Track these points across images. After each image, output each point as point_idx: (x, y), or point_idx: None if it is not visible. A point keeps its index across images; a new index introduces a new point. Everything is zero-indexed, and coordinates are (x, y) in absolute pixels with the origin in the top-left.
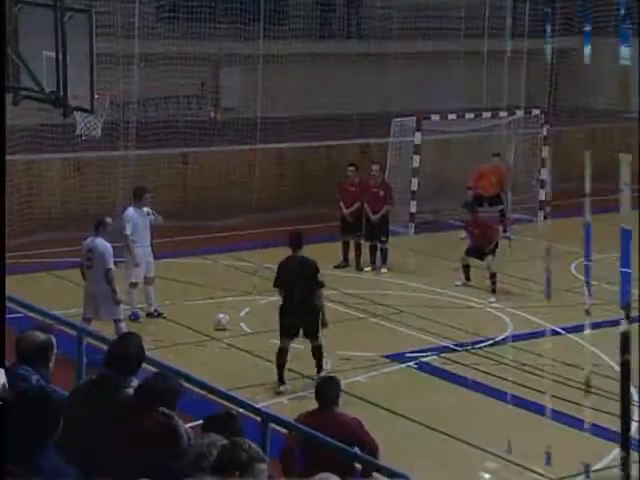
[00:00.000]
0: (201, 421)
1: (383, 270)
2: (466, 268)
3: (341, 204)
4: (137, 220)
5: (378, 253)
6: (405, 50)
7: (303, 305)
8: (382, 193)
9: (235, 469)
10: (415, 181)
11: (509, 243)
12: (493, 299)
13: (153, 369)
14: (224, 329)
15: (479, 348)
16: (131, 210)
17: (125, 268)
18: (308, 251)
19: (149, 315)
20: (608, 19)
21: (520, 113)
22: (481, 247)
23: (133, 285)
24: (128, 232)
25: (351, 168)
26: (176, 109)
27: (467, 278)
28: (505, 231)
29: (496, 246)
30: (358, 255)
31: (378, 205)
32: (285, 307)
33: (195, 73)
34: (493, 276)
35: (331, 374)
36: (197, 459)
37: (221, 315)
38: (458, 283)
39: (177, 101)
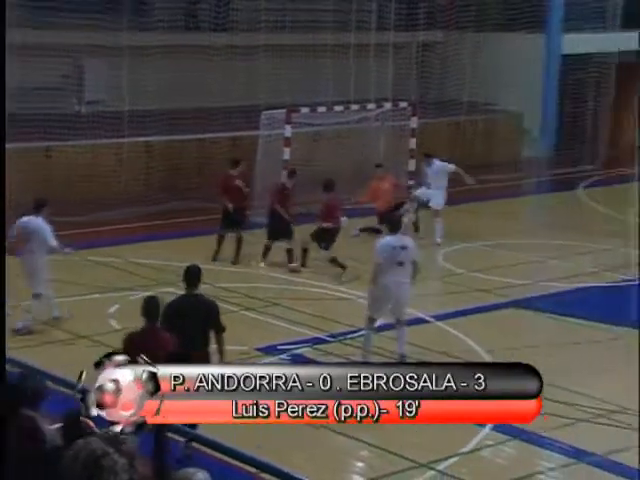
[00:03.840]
0: None
1: (261, 264)
2: (305, 252)
3: (224, 199)
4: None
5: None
6: (273, 42)
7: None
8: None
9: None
10: (285, 174)
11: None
12: (344, 279)
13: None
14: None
15: (351, 338)
16: (40, 220)
17: (27, 278)
18: (180, 245)
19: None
20: (469, 15)
21: (388, 105)
22: (321, 231)
23: (37, 296)
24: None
25: (236, 164)
26: (38, 102)
27: (303, 264)
28: (417, 230)
29: (333, 237)
30: (238, 249)
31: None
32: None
33: (57, 65)
34: (333, 260)
35: (152, 295)
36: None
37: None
38: (293, 265)
39: (38, 94)
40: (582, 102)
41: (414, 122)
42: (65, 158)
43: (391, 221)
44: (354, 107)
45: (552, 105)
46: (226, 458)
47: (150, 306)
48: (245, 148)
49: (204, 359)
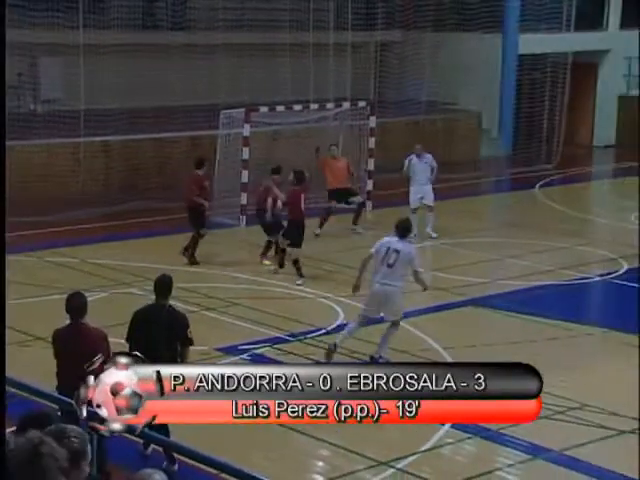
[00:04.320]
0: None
1: (266, 262)
2: (282, 252)
3: (200, 199)
4: None
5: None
6: (231, 41)
7: None
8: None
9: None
10: (245, 173)
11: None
12: (300, 282)
13: None
14: None
15: (312, 338)
16: None
17: None
18: (140, 245)
19: None
20: (427, 14)
21: (347, 105)
22: (287, 227)
23: None
24: None
25: (202, 164)
26: None
27: (280, 265)
28: (355, 224)
29: (299, 231)
30: (194, 248)
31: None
32: None
33: (11, 63)
34: (296, 262)
35: (76, 291)
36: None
37: None
38: (271, 267)
39: None
40: (539, 102)
41: (373, 121)
42: (20, 158)
43: (402, 225)
44: (313, 106)
45: (509, 105)
46: (184, 459)
47: (71, 303)
48: (205, 148)
49: None
